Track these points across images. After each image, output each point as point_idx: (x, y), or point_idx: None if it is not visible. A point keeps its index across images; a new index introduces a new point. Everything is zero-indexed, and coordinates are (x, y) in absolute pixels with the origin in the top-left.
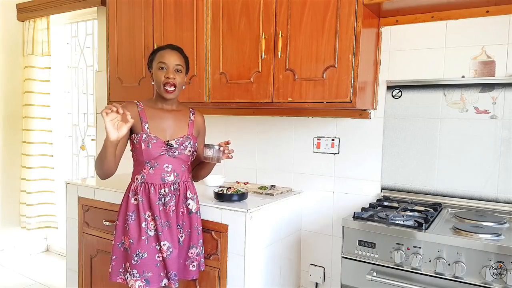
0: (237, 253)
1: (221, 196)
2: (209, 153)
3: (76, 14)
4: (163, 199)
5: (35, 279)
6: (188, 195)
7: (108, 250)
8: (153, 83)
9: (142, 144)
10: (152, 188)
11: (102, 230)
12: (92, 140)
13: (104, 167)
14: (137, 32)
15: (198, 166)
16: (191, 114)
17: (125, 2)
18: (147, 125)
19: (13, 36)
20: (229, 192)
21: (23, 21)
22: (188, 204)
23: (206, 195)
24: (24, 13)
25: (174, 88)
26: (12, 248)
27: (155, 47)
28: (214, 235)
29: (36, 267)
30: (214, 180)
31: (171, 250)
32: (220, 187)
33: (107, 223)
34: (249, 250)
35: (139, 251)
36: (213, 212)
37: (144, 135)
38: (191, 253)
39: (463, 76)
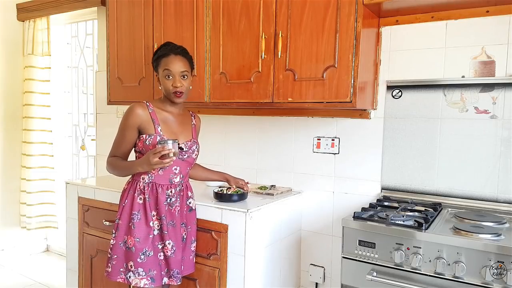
0: (237, 253)
1: (221, 196)
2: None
3: (76, 14)
4: (169, 199)
5: (35, 279)
6: (189, 195)
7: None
8: (160, 87)
9: (157, 146)
10: (159, 189)
11: (102, 230)
12: (92, 140)
13: (122, 175)
14: (137, 32)
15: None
16: (193, 118)
17: (125, 2)
18: (159, 127)
19: (13, 36)
20: (229, 192)
21: (23, 21)
22: (190, 203)
23: (206, 195)
24: (24, 13)
25: (182, 93)
26: (12, 248)
27: (155, 47)
28: (214, 235)
29: (36, 267)
30: None
31: (174, 249)
32: (220, 187)
33: (107, 223)
34: (249, 250)
35: (146, 249)
36: (213, 212)
37: (158, 137)
38: (194, 246)
39: (463, 76)
